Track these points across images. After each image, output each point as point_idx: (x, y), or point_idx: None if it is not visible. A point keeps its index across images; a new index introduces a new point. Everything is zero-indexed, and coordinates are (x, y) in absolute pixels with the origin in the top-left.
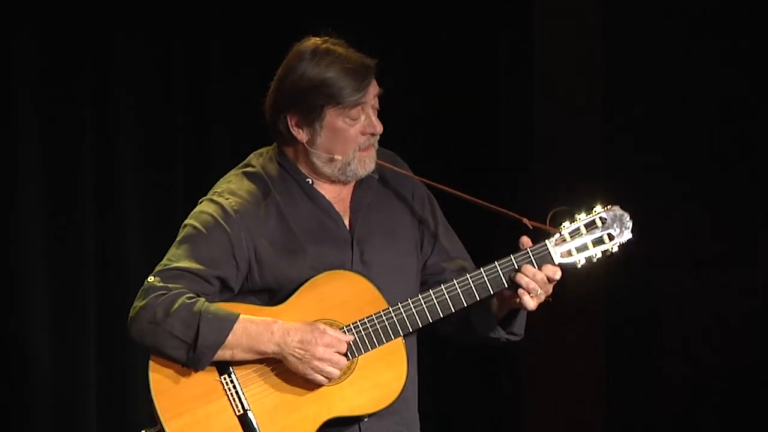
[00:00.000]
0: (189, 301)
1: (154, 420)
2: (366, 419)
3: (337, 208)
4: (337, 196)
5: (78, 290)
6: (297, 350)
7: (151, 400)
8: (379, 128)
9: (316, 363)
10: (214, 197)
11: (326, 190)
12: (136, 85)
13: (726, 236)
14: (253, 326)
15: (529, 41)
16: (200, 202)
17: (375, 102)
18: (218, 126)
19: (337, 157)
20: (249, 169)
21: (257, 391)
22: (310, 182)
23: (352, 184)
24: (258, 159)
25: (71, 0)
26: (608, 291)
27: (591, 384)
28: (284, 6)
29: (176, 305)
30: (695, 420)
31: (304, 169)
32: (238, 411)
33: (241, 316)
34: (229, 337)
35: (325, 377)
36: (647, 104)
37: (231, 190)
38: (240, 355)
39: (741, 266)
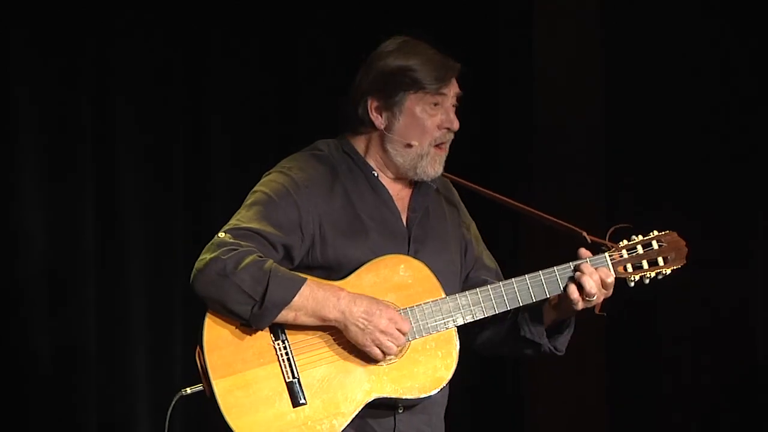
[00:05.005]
0: (259, 258)
1: (199, 379)
2: (401, 411)
3: (397, 206)
4: (397, 195)
5: (78, 291)
6: (361, 320)
7: (203, 358)
8: (456, 125)
9: (378, 335)
10: (284, 171)
11: (388, 185)
12: (135, 86)
13: (725, 235)
14: (321, 291)
15: (529, 41)
16: (267, 174)
17: (455, 101)
18: (217, 126)
19: (414, 143)
20: (317, 152)
21: (308, 361)
22: (376, 175)
23: (411, 187)
24: (326, 145)
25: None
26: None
27: (591, 382)
28: (282, 9)
29: (247, 260)
30: (694, 417)
31: (371, 162)
32: (288, 377)
33: (308, 279)
34: (296, 298)
35: (383, 352)
36: (647, 105)
37: (300, 167)
38: (303, 319)
39: (739, 265)
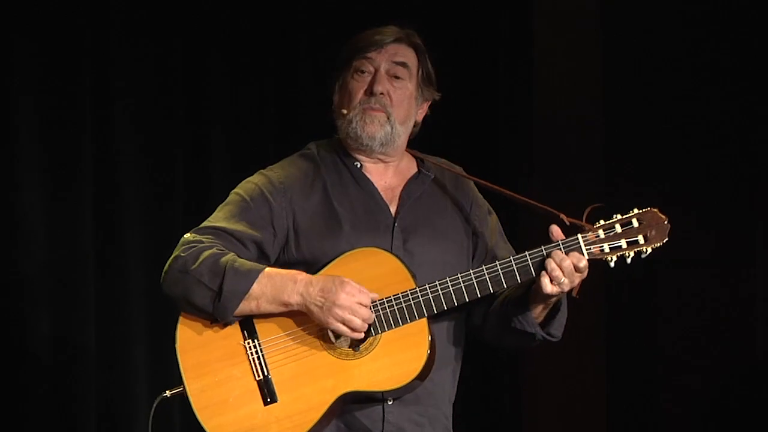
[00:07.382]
0: (219, 251)
1: (180, 381)
2: (390, 402)
3: (384, 196)
4: (386, 186)
5: (78, 291)
6: (318, 298)
7: (176, 359)
8: (378, 87)
9: (336, 310)
10: (263, 172)
11: (374, 176)
12: (135, 87)
13: (725, 234)
14: (278, 277)
15: (529, 41)
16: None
17: (396, 70)
18: (217, 129)
19: (343, 111)
20: (305, 151)
21: (279, 359)
22: (359, 166)
23: (404, 178)
24: (315, 145)
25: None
26: (608, 287)
27: (590, 381)
28: (282, 9)
29: (205, 254)
30: (694, 415)
31: (352, 151)
32: (258, 376)
33: (267, 268)
34: (254, 286)
35: (347, 327)
36: (646, 104)
37: (282, 166)
38: (265, 306)
39: (739, 265)
